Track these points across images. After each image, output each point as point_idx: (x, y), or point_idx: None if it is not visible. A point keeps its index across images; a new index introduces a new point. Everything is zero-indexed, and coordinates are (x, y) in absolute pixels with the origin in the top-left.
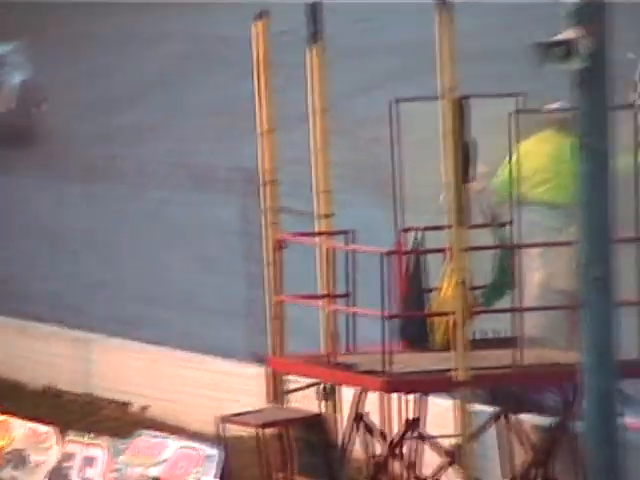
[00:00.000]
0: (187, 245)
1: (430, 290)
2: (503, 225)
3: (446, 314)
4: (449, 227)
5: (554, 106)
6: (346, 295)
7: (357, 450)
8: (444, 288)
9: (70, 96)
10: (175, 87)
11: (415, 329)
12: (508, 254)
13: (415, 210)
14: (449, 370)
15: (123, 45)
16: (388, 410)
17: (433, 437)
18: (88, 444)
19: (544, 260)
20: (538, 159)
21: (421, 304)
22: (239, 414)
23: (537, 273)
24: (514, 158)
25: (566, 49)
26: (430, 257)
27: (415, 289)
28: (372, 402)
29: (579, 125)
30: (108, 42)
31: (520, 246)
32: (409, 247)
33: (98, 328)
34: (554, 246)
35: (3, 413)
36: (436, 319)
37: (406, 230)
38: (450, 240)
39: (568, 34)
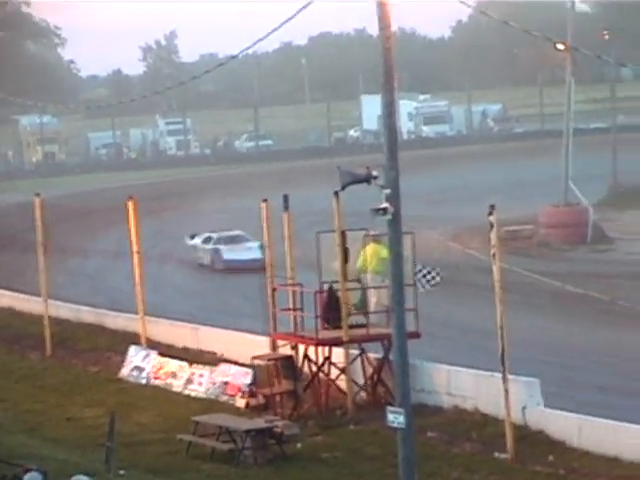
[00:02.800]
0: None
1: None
2: (360, 281)
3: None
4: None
5: (373, 232)
6: (301, 309)
7: (306, 369)
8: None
9: None
10: None
11: (333, 320)
12: (364, 292)
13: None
14: (342, 337)
15: None
16: (317, 353)
17: (335, 363)
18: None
19: (378, 293)
20: (370, 253)
21: (335, 311)
22: (259, 355)
23: (374, 298)
24: (362, 254)
25: (384, 210)
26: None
27: (332, 303)
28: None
29: (390, 241)
30: None
31: (368, 287)
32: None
33: None
34: (381, 288)
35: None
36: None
37: (323, 282)
38: (341, 285)
39: (384, 204)
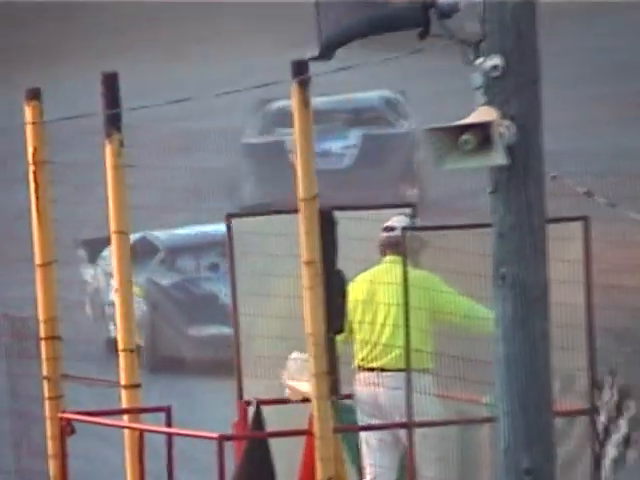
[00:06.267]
0: None
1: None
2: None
3: None
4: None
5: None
6: None
7: None
8: None
9: None
10: None
11: None
12: None
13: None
14: None
15: None
16: None
17: None
18: None
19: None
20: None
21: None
22: None
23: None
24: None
25: (479, 137)
26: None
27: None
28: None
29: (496, 248)
30: None
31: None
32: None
33: None
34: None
35: None
36: None
37: (247, 403)
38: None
39: (482, 114)
